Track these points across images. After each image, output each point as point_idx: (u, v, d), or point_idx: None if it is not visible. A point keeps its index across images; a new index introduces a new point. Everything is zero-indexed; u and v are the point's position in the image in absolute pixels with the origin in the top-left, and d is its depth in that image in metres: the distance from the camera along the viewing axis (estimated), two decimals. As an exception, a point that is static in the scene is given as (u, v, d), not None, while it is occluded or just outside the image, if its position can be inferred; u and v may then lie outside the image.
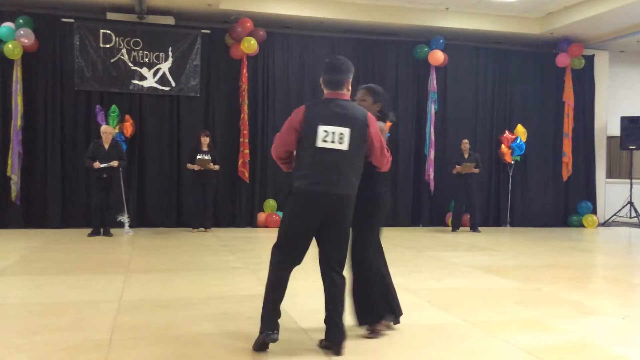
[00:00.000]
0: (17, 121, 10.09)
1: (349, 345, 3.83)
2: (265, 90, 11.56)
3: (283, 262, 3.70)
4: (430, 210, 12.29)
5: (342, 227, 3.73)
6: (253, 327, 4.24)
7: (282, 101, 11.59)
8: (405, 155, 12.18)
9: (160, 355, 3.59)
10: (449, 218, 11.81)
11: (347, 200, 3.67)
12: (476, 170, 11.16)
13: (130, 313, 4.55)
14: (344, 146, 3.61)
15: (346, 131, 3.63)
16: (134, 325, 4.07)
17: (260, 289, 5.58)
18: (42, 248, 8.13)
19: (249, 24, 10.92)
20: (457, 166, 11.20)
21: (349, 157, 3.64)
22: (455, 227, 11.26)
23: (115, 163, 9.25)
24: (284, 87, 11.63)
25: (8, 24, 9.94)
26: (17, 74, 10.10)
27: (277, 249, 3.72)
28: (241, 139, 11.16)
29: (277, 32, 11.56)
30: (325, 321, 3.73)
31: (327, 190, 3.61)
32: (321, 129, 3.63)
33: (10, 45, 9.90)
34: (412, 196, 12.23)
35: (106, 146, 9.34)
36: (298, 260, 3.74)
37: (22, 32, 9.96)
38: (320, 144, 3.62)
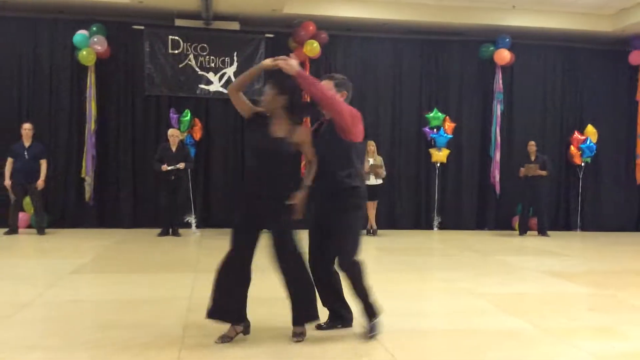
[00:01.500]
0: (91, 125, 10.54)
1: (410, 347, 3.82)
2: (327, 92, 11.60)
3: None
4: (496, 213, 12.01)
5: None
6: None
7: (344, 103, 11.62)
8: (469, 157, 11.98)
9: (231, 353, 3.67)
10: (515, 221, 11.51)
11: None
12: (543, 173, 10.84)
13: (201, 311, 4.62)
14: None
15: None
16: (205, 323, 4.17)
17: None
18: (115, 247, 8.46)
19: (311, 27, 11.00)
20: (521, 168, 10.93)
21: None
22: (523, 231, 10.97)
23: (181, 165, 9.51)
24: (346, 89, 11.64)
25: (83, 32, 10.39)
26: (91, 79, 10.55)
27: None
28: (303, 142, 11.23)
29: (340, 34, 11.59)
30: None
31: None
32: None
33: (84, 52, 10.35)
34: (477, 199, 12.00)
35: (173, 149, 9.63)
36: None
37: (95, 39, 10.39)
38: None
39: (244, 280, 3.92)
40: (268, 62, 3.91)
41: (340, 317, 4.28)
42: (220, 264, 3.90)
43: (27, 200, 9.77)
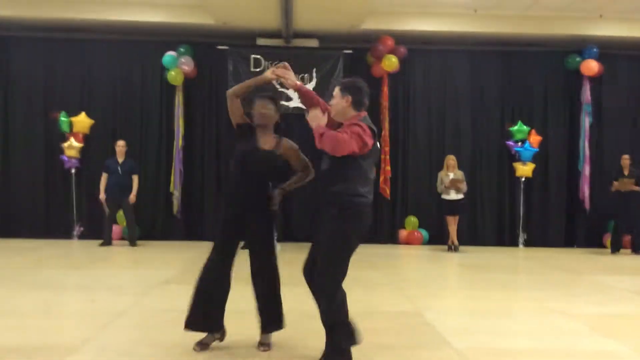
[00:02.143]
0: (178, 142, 10.99)
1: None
2: (406, 106, 11.58)
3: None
4: (586, 230, 11.48)
5: None
6: (401, 341, 4.26)
7: (423, 117, 11.57)
8: (556, 171, 11.54)
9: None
10: (607, 239, 10.96)
11: None
12: (637, 188, 10.29)
13: (288, 323, 4.73)
14: None
15: None
16: (292, 334, 4.25)
17: (409, 307, 5.58)
18: (202, 259, 8.64)
19: (389, 42, 11.02)
20: (614, 182, 10.42)
21: None
22: (615, 249, 10.43)
23: None
24: (425, 102, 11.58)
25: (171, 53, 10.90)
26: (178, 98, 11.03)
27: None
28: (382, 156, 11.22)
29: (418, 48, 11.53)
30: None
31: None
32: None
33: (173, 73, 10.84)
34: (565, 215, 11.53)
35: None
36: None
37: (183, 60, 10.87)
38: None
39: (225, 287, 4.09)
40: (269, 74, 4.00)
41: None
42: (200, 273, 4.08)
43: (120, 213, 10.29)
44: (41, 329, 4.50)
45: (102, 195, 9.95)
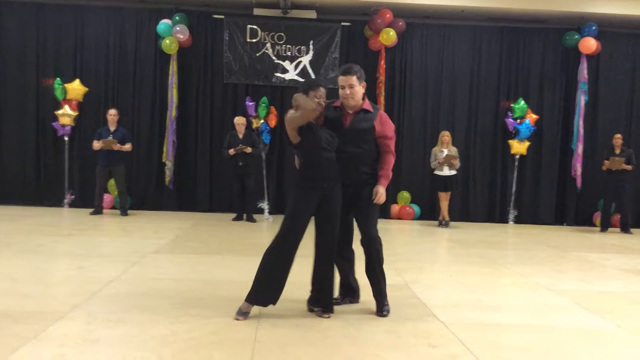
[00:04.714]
0: (172, 112, 10.91)
1: (486, 341, 3.75)
2: (402, 81, 11.51)
3: None
4: (577, 208, 11.56)
5: None
6: (391, 315, 4.30)
7: (419, 92, 11.51)
8: (550, 149, 11.56)
9: (303, 335, 3.76)
10: (597, 217, 11.04)
11: None
12: (628, 167, 10.33)
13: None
14: None
15: None
16: (279, 305, 4.28)
17: (398, 280, 5.63)
18: (192, 229, 8.76)
19: (388, 15, 10.91)
20: (605, 161, 10.45)
21: None
22: (604, 228, 10.52)
23: (248, 149, 9.64)
24: (421, 78, 11.51)
25: (166, 21, 10.76)
26: (173, 67, 10.91)
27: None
28: (376, 130, 11.17)
29: (417, 22, 11.44)
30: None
31: None
32: None
33: (167, 41, 10.70)
34: (557, 193, 11.58)
35: (240, 136, 9.80)
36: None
37: (178, 28, 10.72)
38: None
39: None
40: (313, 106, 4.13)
41: (351, 291, 4.61)
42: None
43: (111, 182, 10.26)
44: (30, 295, 4.51)
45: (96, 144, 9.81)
